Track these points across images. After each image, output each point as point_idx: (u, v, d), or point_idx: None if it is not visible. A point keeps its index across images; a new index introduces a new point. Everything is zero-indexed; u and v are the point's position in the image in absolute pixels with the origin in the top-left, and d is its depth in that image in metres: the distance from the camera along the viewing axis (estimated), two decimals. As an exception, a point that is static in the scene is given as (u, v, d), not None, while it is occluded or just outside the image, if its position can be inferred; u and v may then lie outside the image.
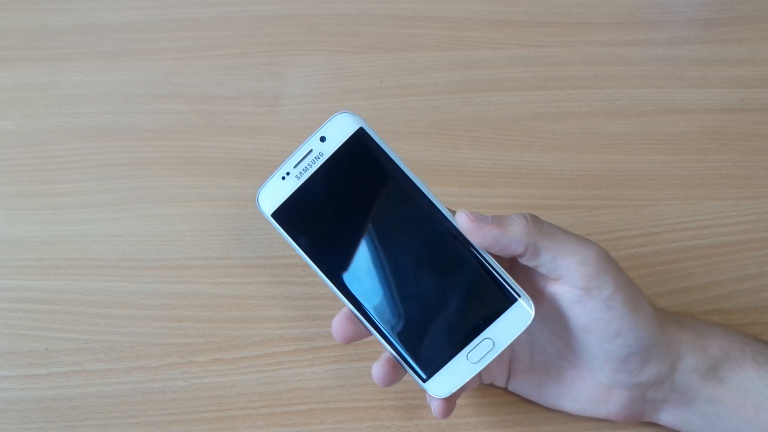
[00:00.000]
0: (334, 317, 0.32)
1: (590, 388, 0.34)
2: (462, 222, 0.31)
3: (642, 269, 0.43)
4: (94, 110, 0.50)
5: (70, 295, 0.41)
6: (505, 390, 0.37)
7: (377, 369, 0.32)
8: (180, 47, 0.54)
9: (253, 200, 0.45)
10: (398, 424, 0.36)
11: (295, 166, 0.31)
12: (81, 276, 0.41)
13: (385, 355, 0.32)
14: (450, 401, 0.32)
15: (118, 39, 0.54)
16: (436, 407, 0.32)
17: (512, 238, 0.30)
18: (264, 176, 0.46)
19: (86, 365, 0.38)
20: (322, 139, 0.31)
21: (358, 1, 0.58)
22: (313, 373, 0.38)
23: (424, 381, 0.31)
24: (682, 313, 0.35)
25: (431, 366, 0.31)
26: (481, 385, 0.37)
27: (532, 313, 0.31)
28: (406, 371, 0.32)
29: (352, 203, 0.32)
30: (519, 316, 0.31)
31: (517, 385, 0.36)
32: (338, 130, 0.31)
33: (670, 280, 0.42)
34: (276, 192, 0.32)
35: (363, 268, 0.32)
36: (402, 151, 0.48)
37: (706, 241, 0.44)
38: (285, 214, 0.31)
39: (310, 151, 0.31)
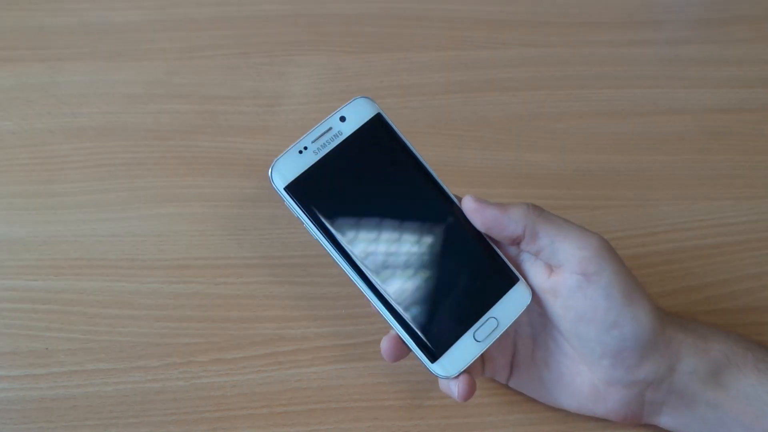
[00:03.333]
0: (383, 339, 0.32)
1: (588, 384, 0.34)
2: (466, 203, 0.33)
3: (642, 269, 0.43)
4: (94, 110, 0.50)
5: (70, 295, 0.41)
6: (506, 390, 0.37)
7: (385, 343, 0.32)
8: (180, 47, 0.54)
9: (254, 200, 0.45)
10: (398, 424, 0.36)
11: (313, 142, 0.32)
12: (81, 276, 0.41)
13: (392, 332, 0.32)
14: (471, 383, 0.32)
15: (118, 39, 0.54)
16: (459, 389, 0.31)
17: (511, 218, 0.32)
18: (264, 176, 0.46)
19: (86, 365, 0.38)
20: (342, 118, 0.32)
21: (358, 1, 0.58)
22: (313, 373, 0.38)
23: (433, 362, 0.31)
24: (684, 315, 0.35)
25: (440, 346, 0.31)
26: (482, 377, 0.36)
27: (530, 293, 0.33)
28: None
29: (367, 183, 0.33)
30: (519, 297, 0.33)
31: (518, 381, 0.36)
32: (357, 113, 0.32)
33: (670, 280, 0.42)
34: (292, 165, 0.32)
35: (374, 249, 0.32)
36: (402, 151, 0.48)
37: (706, 241, 0.44)
38: (299, 189, 0.31)
39: (330, 128, 0.32)
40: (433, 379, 0.37)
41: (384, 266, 0.32)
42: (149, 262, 0.42)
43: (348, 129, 0.32)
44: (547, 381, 0.35)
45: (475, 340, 0.32)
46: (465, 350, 0.31)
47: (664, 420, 0.34)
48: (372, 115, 0.33)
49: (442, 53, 0.55)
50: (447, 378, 0.31)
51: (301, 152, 0.32)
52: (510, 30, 0.56)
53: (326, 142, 0.32)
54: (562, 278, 0.32)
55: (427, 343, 0.31)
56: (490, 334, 0.32)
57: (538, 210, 0.33)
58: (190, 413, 0.37)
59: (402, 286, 0.32)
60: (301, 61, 0.54)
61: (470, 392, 0.31)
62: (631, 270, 0.42)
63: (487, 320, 0.32)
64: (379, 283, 0.31)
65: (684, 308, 0.41)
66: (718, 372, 0.32)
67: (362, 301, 0.40)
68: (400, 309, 0.31)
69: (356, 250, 0.32)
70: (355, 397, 0.37)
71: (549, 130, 0.50)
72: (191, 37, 0.55)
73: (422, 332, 0.31)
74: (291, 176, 0.31)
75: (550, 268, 0.33)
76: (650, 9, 0.58)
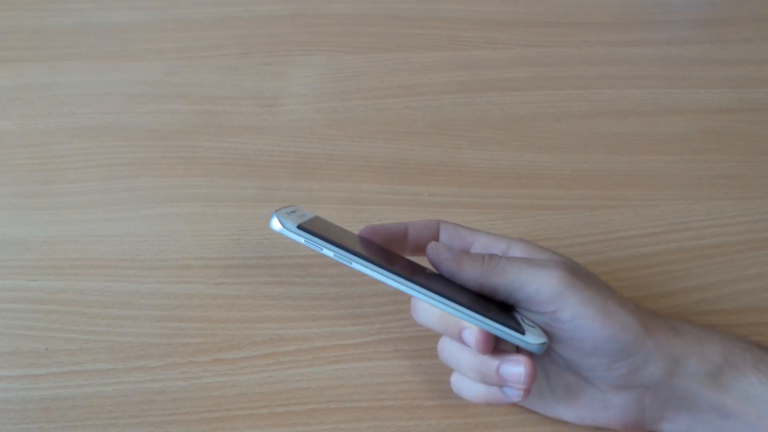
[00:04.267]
0: (466, 333, 0.32)
1: (586, 393, 0.34)
2: (428, 253, 0.34)
3: (642, 269, 0.43)
4: (94, 110, 0.50)
5: (70, 295, 0.41)
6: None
7: (474, 336, 0.31)
8: (180, 47, 0.54)
9: (254, 200, 0.45)
10: (398, 424, 0.36)
11: (293, 212, 0.33)
12: (81, 276, 0.41)
13: (473, 329, 0.31)
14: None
15: (118, 39, 0.54)
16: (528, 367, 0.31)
17: (465, 277, 0.33)
18: (264, 176, 0.46)
19: (86, 365, 0.38)
20: (295, 209, 0.34)
21: (358, 1, 0.58)
22: (313, 373, 0.38)
23: (523, 334, 0.31)
24: (678, 318, 0.35)
25: (518, 326, 0.31)
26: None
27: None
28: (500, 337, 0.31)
29: (356, 241, 0.34)
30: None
31: None
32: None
33: (670, 280, 0.42)
34: (289, 218, 0.32)
35: (404, 270, 0.32)
36: (402, 151, 0.48)
37: (706, 241, 0.44)
38: (309, 228, 0.32)
39: (295, 210, 0.33)
40: (433, 379, 0.38)
41: (424, 281, 0.32)
42: (149, 262, 0.42)
43: (308, 215, 0.34)
44: (546, 392, 0.35)
45: (530, 325, 0.32)
46: (532, 329, 0.32)
47: (667, 427, 0.33)
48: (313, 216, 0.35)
49: (442, 53, 0.55)
50: (544, 344, 0.31)
51: (289, 214, 0.32)
52: (510, 30, 0.56)
53: (302, 215, 0.33)
54: (531, 316, 0.33)
55: (510, 323, 0.31)
56: (534, 324, 0.32)
57: (493, 263, 0.32)
58: (190, 413, 0.37)
59: (453, 296, 0.32)
60: (301, 61, 0.54)
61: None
62: (632, 270, 0.42)
63: (522, 315, 0.33)
64: (440, 293, 0.31)
65: (684, 308, 0.41)
66: (717, 373, 0.32)
67: (363, 301, 0.40)
68: (470, 308, 0.31)
69: (408, 277, 0.32)
70: (355, 397, 0.37)
71: (549, 130, 0.50)
72: (191, 37, 0.55)
73: (499, 318, 0.31)
74: (296, 222, 0.32)
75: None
76: (650, 9, 0.58)
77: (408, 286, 0.31)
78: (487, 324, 0.31)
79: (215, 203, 0.45)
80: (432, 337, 0.38)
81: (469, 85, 0.52)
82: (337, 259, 0.31)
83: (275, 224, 0.31)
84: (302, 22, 0.56)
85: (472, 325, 0.31)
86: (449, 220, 0.37)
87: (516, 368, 0.31)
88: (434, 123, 0.50)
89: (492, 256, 0.33)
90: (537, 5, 0.58)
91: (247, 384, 0.38)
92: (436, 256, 0.34)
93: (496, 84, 0.53)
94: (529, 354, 0.32)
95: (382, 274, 0.31)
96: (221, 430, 0.36)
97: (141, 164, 0.47)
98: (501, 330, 0.31)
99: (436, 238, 0.36)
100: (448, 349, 0.34)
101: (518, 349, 0.34)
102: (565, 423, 0.36)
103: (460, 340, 0.32)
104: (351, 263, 0.32)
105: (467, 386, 0.34)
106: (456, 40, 0.56)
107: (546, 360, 0.34)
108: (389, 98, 0.51)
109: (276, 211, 0.32)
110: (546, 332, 0.32)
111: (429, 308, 0.33)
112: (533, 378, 0.31)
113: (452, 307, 0.31)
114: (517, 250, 0.35)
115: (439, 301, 0.31)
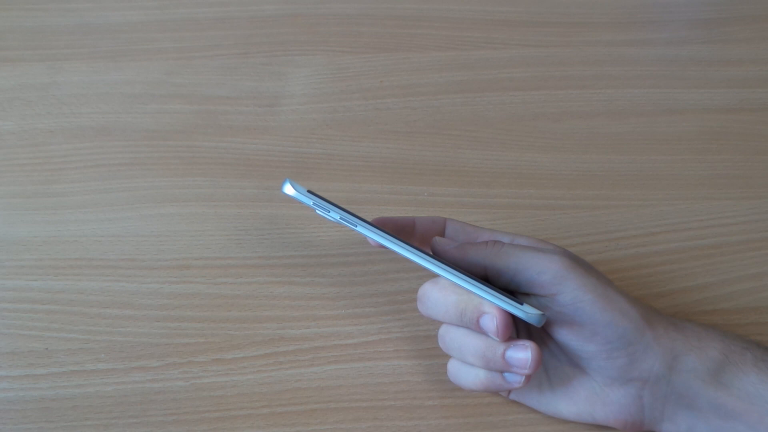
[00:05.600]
0: (486, 319, 0.31)
1: (586, 388, 0.34)
2: (433, 246, 0.35)
3: (642, 269, 0.43)
4: (94, 110, 0.50)
5: (70, 295, 0.41)
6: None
7: (494, 321, 0.31)
8: (180, 47, 0.54)
9: (254, 200, 0.45)
10: (398, 424, 0.36)
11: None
12: (81, 276, 0.41)
13: (492, 314, 0.31)
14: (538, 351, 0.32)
15: (118, 39, 0.54)
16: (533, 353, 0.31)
17: (470, 261, 0.33)
18: (264, 176, 0.46)
19: (86, 365, 0.38)
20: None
21: (358, 1, 0.58)
22: (313, 373, 0.38)
23: (521, 304, 0.32)
24: (679, 317, 0.35)
25: (517, 301, 0.32)
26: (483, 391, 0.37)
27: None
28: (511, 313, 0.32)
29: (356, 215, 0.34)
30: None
31: (519, 393, 0.36)
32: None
33: (670, 280, 0.42)
34: (301, 184, 0.33)
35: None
36: (402, 151, 0.48)
37: (706, 241, 0.44)
38: (321, 195, 0.32)
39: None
40: (433, 379, 0.38)
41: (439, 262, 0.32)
42: (149, 262, 0.42)
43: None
44: (546, 388, 0.35)
45: (531, 305, 0.32)
46: (533, 308, 0.32)
47: (666, 427, 0.33)
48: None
49: (442, 53, 0.55)
50: (543, 315, 0.31)
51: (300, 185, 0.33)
52: (510, 30, 0.56)
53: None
54: (535, 299, 0.33)
55: (509, 295, 0.32)
56: (535, 309, 0.32)
57: (496, 247, 0.33)
58: (190, 413, 0.37)
59: (459, 271, 0.32)
60: (301, 61, 0.54)
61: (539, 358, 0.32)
62: (632, 270, 0.42)
63: (524, 301, 0.33)
64: (449, 269, 0.32)
65: (684, 308, 0.41)
66: (717, 371, 0.32)
67: (362, 301, 0.40)
68: (474, 283, 0.32)
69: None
70: (355, 397, 0.37)
71: (549, 130, 0.50)
72: (191, 37, 0.55)
73: (499, 291, 0.32)
74: (307, 188, 0.33)
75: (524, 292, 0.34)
76: (650, 9, 0.58)
77: (416, 254, 0.32)
78: (492, 294, 0.31)
79: (215, 203, 0.45)
80: (432, 337, 0.39)
81: (469, 85, 0.52)
82: (343, 222, 0.32)
83: (287, 188, 0.32)
84: (302, 22, 0.56)
85: (492, 311, 0.31)
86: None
87: (522, 353, 0.31)
88: (434, 123, 0.50)
89: (496, 241, 0.34)
90: (537, 5, 0.58)
91: (247, 384, 0.38)
92: (441, 246, 0.34)
93: (496, 84, 0.53)
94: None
95: (388, 240, 0.32)
96: (221, 430, 0.36)
97: (141, 164, 0.47)
98: (504, 300, 0.31)
99: (442, 234, 0.37)
100: (450, 335, 0.34)
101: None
102: (564, 422, 0.36)
103: (476, 326, 0.32)
104: (356, 226, 0.32)
105: (466, 373, 0.34)
106: (456, 40, 0.56)
107: (545, 354, 0.35)
108: (389, 98, 0.51)
109: (287, 179, 0.33)
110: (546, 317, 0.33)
111: (442, 296, 0.33)
112: (538, 363, 0.31)
113: (460, 278, 0.32)
114: (521, 242, 0.35)
115: (449, 272, 0.32)
